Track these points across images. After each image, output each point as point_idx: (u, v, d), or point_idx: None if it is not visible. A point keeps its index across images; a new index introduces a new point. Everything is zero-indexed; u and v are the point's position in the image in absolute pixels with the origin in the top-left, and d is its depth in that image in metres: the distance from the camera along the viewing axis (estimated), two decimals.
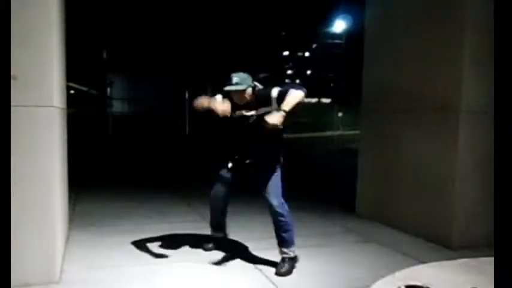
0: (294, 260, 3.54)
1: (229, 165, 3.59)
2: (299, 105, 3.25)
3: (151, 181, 8.15)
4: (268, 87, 3.40)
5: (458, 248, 4.06)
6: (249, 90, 3.37)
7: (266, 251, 3.87)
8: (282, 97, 3.24)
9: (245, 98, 3.38)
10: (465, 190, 4.14)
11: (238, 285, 3.27)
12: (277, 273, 3.43)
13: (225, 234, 3.99)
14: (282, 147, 3.56)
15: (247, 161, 3.52)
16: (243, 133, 3.48)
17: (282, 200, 3.46)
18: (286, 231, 3.48)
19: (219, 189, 3.70)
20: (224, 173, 3.65)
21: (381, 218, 5.00)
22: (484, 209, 4.02)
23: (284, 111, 3.16)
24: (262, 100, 3.35)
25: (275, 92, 3.30)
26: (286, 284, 3.28)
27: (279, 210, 3.43)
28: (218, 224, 3.89)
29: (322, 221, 5.19)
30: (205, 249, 3.91)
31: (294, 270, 3.50)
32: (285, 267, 3.46)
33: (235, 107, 3.40)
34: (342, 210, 5.64)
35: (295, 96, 3.22)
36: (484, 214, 4.02)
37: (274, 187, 3.45)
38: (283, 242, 3.51)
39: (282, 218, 3.45)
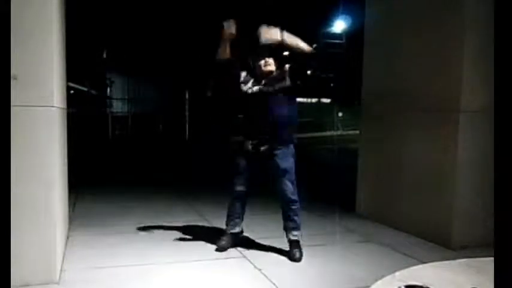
0: (299, 243, 3.66)
1: (249, 146, 3.56)
2: (297, 52, 3.38)
3: (151, 181, 8.15)
4: None
5: (458, 248, 4.05)
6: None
7: (266, 251, 3.88)
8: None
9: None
10: (465, 190, 4.14)
11: (238, 285, 3.27)
12: (294, 260, 3.57)
13: (242, 230, 3.93)
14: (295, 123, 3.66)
15: (263, 148, 3.53)
16: (255, 104, 3.53)
17: (295, 186, 3.60)
18: (297, 215, 3.64)
19: (241, 182, 3.70)
20: (242, 164, 3.64)
21: (381, 218, 5.00)
22: (484, 209, 4.01)
23: (283, 37, 3.30)
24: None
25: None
26: (286, 283, 3.27)
27: (294, 197, 3.58)
28: (238, 217, 3.83)
29: (322, 221, 5.19)
30: (219, 247, 3.80)
31: (294, 270, 3.52)
32: (298, 252, 3.61)
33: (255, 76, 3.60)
34: (342, 210, 5.63)
35: (302, 42, 3.39)
36: (484, 214, 4.02)
37: (291, 174, 3.58)
38: (294, 226, 3.64)
39: (296, 203, 3.61)
